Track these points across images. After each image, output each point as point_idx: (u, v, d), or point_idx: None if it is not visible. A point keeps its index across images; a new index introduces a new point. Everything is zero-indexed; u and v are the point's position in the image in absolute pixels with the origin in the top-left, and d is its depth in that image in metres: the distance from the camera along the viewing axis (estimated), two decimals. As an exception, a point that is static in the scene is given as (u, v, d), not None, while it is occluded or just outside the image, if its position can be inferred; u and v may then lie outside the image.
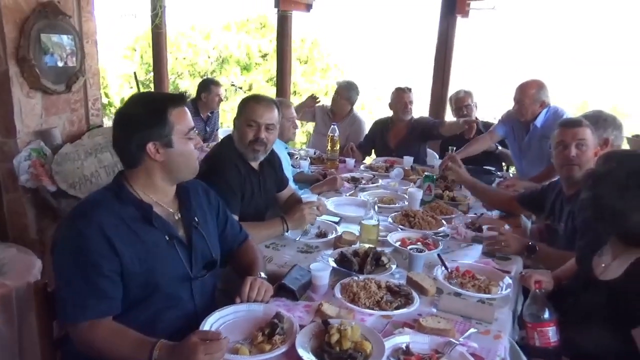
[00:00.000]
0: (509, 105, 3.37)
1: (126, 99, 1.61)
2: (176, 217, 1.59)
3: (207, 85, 4.42)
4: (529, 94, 3.17)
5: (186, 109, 1.54)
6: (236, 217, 1.98)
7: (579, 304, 1.54)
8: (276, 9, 4.67)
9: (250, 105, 2.19)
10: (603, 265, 1.49)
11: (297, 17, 5.58)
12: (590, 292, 1.53)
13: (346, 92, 4.18)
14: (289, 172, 3.02)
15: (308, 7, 4.93)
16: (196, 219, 1.63)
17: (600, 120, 2.30)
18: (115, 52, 11.23)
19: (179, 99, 1.54)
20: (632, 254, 1.42)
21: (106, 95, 6.76)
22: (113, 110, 6.31)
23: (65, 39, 2.52)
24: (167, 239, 1.49)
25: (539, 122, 3.21)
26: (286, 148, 3.05)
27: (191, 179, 1.71)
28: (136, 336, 1.35)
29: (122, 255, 1.39)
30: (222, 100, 4.54)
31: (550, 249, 2.13)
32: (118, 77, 9.81)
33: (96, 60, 4.11)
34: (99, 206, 1.43)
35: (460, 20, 4.37)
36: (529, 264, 2.11)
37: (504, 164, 3.98)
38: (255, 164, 2.26)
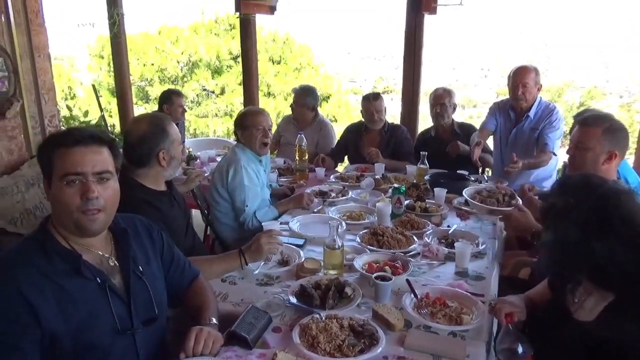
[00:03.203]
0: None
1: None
2: (111, 263, 1.43)
3: (169, 97, 4.22)
4: (531, 77, 3.23)
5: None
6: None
7: (554, 340, 1.41)
8: (237, 13, 4.48)
9: None
10: (576, 300, 1.36)
11: (265, 18, 5.39)
12: (565, 328, 1.41)
13: (303, 99, 4.02)
14: (263, 188, 2.86)
15: (272, 9, 4.74)
16: (139, 267, 1.47)
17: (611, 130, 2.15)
18: (83, 61, 10.91)
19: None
20: (605, 296, 1.30)
21: (69, 109, 6.46)
22: (76, 124, 6.02)
23: (-6, 63, 2.31)
24: (99, 282, 1.33)
25: (532, 112, 3.27)
26: (260, 161, 2.87)
27: (130, 215, 1.58)
28: None
29: (45, 319, 1.22)
30: (185, 111, 4.34)
31: None
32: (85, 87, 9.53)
33: (50, 75, 3.89)
34: (18, 264, 1.26)
35: (428, 17, 4.23)
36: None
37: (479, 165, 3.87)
38: (163, 187, 2.15)
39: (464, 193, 2.79)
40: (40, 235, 1.34)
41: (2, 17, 2.60)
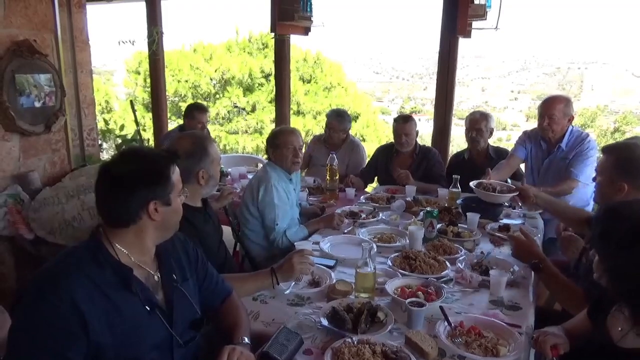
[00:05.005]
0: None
1: (115, 156, 1.48)
2: (156, 278, 1.45)
3: (190, 112, 4.15)
4: (559, 108, 3.16)
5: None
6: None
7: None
8: (272, 33, 4.56)
9: None
10: (620, 329, 1.31)
11: (297, 37, 5.47)
12: (609, 357, 1.35)
13: (340, 125, 4.06)
14: (293, 207, 2.88)
15: (306, 30, 4.80)
16: (174, 277, 1.50)
17: (623, 161, 2.02)
18: (120, 76, 11.28)
19: (176, 156, 1.48)
20: None
21: (105, 122, 6.67)
22: (113, 138, 6.19)
23: (43, 78, 2.41)
24: (148, 309, 1.36)
25: (564, 143, 3.20)
26: (290, 180, 2.89)
27: None
28: None
29: (92, 330, 1.23)
30: (205, 128, 4.22)
31: (557, 273, 2.01)
32: (121, 101, 9.82)
33: (91, 89, 4.03)
34: (72, 273, 1.27)
35: (462, 40, 4.22)
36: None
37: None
38: (199, 203, 2.19)
39: (471, 184, 2.88)
40: (92, 245, 1.35)
41: (52, 35, 2.71)
